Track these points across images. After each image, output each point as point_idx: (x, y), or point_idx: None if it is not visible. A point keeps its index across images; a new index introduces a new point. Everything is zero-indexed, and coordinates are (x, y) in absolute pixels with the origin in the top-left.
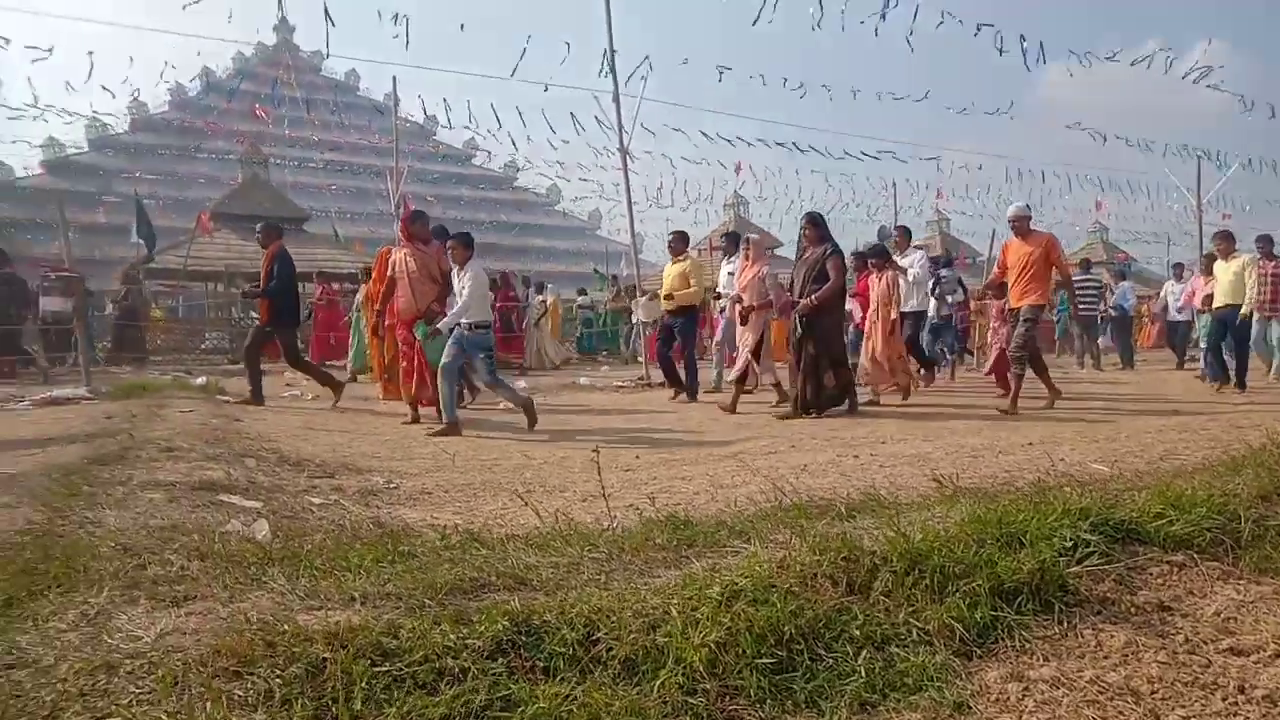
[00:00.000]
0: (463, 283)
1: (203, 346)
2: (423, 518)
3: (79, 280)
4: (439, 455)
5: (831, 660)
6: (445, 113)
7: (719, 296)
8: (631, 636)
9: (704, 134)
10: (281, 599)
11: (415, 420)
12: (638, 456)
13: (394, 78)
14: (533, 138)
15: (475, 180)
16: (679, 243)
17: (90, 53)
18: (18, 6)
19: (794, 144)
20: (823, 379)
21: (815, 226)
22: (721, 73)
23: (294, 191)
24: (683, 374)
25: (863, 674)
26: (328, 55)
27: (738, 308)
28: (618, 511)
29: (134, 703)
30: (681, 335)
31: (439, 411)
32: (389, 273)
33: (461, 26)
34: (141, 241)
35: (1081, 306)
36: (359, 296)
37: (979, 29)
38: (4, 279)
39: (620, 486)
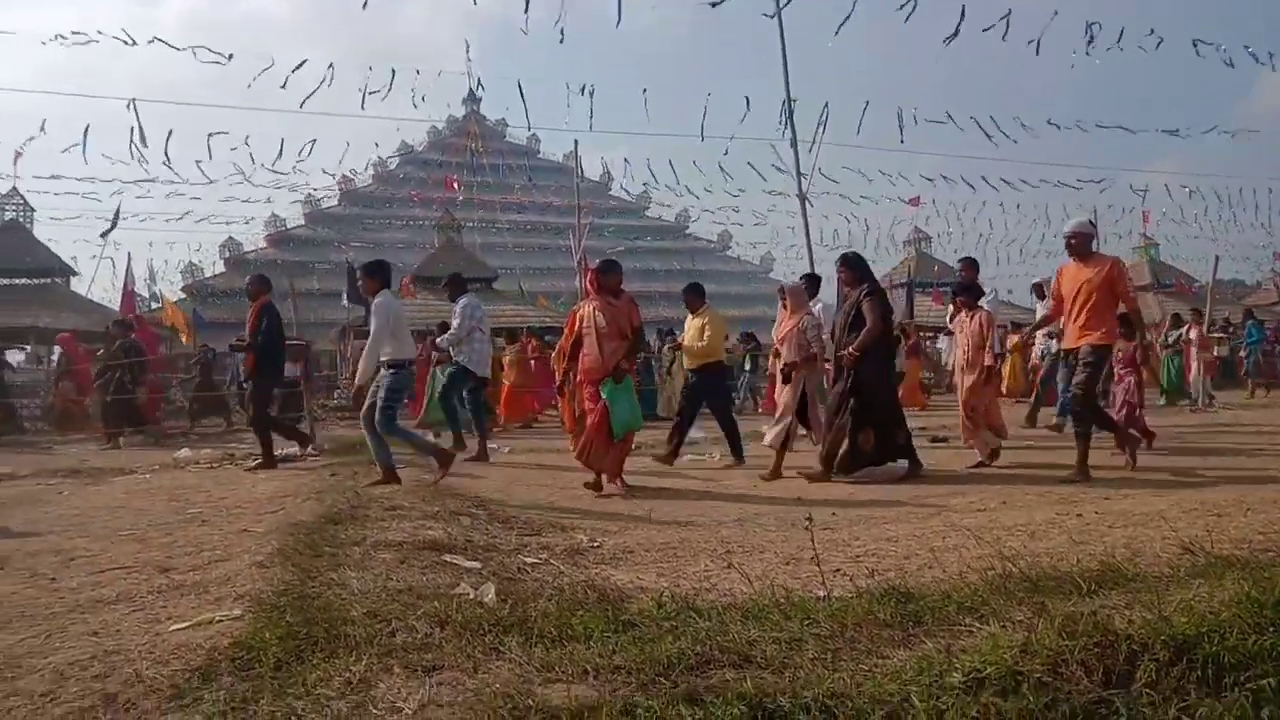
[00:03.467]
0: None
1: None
2: (630, 579)
3: (305, 346)
4: (634, 510)
5: None
6: (624, 169)
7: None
8: None
9: (882, 173)
10: (519, 670)
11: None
12: (834, 514)
13: (575, 141)
14: (710, 188)
15: (649, 231)
16: (694, 297)
17: (313, 141)
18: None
19: (983, 178)
20: (859, 437)
21: (849, 268)
22: (902, 124)
23: (484, 251)
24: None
25: None
26: (528, 128)
27: (778, 363)
28: (827, 577)
29: None
30: (707, 395)
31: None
32: (576, 328)
33: (644, 90)
34: (350, 305)
35: None
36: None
37: (1196, 45)
38: (127, 348)
39: (822, 548)
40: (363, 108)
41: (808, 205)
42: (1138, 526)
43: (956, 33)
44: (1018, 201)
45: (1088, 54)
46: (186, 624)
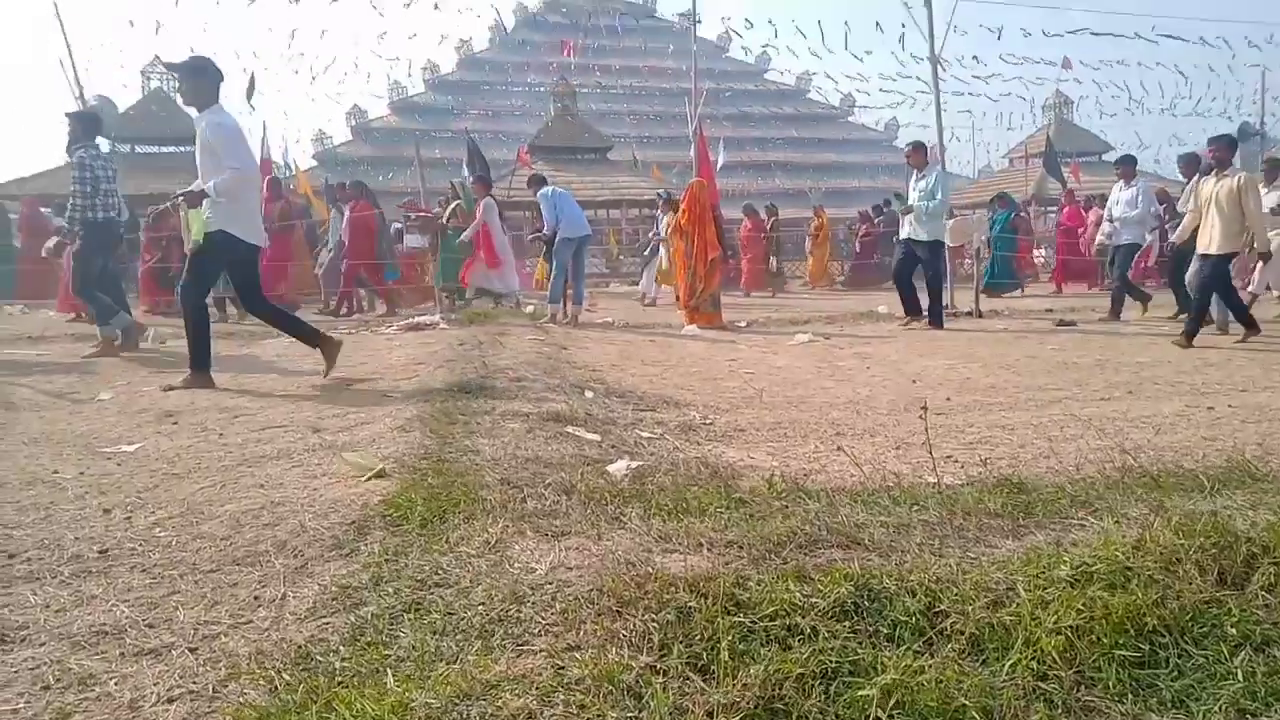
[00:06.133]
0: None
1: (525, 271)
2: (741, 457)
3: (434, 219)
4: (745, 389)
5: (1202, 659)
6: (745, 27)
7: None
8: (977, 613)
9: (1023, 30)
10: (640, 540)
11: None
12: (949, 399)
13: (694, 1)
14: (834, 51)
15: (767, 97)
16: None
17: (436, 5)
18: None
19: (1136, 33)
20: None
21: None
22: None
23: (597, 119)
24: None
25: (1240, 677)
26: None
27: None
28: (938, 464)
29: (542, 632)
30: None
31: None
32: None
33: None
34: (470, 176)
35: None
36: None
37: None
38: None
39: (935, 433)
40: None
41: (941, 69)
42: (1274, 422)
43: None
44: (1174, 63)
45: None
46: (352, 479)
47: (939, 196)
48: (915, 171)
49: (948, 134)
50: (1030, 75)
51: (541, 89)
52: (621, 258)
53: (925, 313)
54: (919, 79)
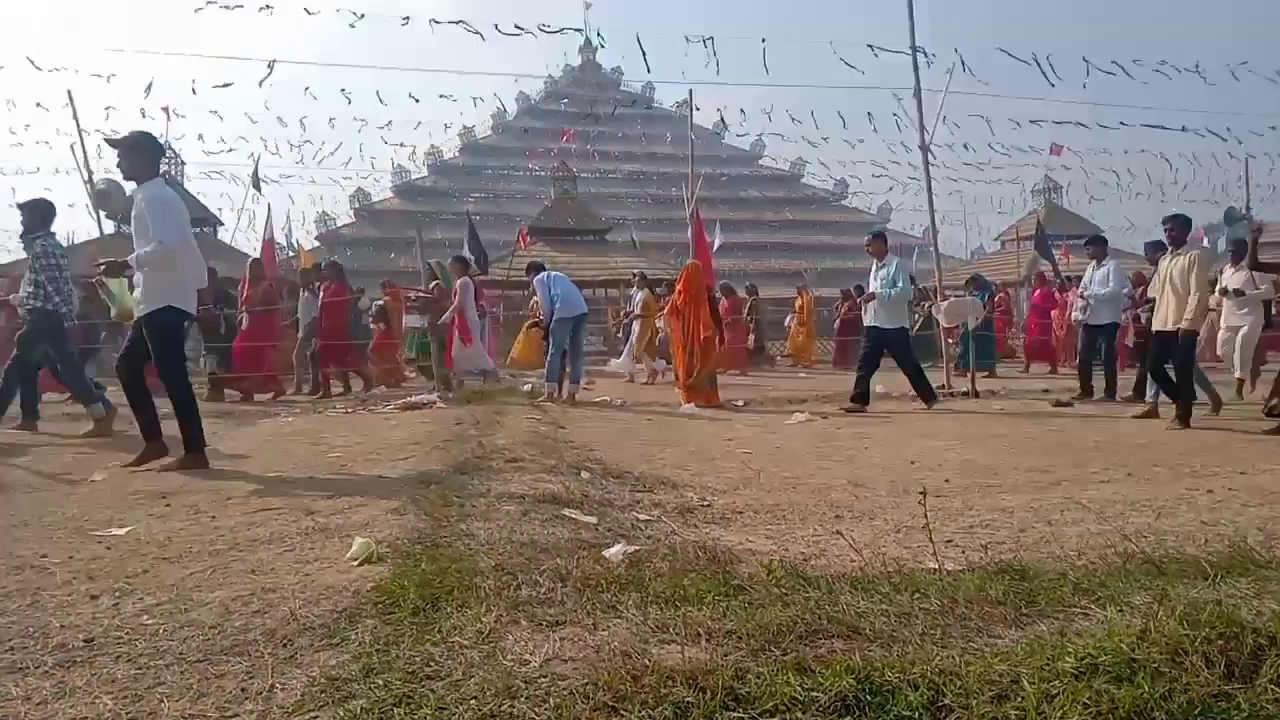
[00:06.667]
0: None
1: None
2: (739, 541)
3: (433, 300)
4: (743, 470)
5: None
6: (740, 120)
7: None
8: (982, 708)
9: (1012, 120)
10: (636, 630)
11: None
12: (948, 480)
13: (690, 91)
14: (827, 138)
15: (762, 181)
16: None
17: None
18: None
19: (1121, 122)
20: None
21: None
22: (1042, 69)
23: (597, 202)
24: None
25: None
26: (646, 69)
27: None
28: (938, 549)
29: None
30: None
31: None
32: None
33: (763, 40)
34: (472, 257)
35: None
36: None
37: None
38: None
39: (934, 517)
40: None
41: (931, 157)
42: (1275, 506)
43: None
44: (1161, 151)
45: None
46: (346, 563)
47: (899, 284)
48: (876, 260)
49: (940, 217)
50: (1020, 160)
51: (542, 173)
52: (619, 335)
53: (862, 402)
54: (910, 165)
